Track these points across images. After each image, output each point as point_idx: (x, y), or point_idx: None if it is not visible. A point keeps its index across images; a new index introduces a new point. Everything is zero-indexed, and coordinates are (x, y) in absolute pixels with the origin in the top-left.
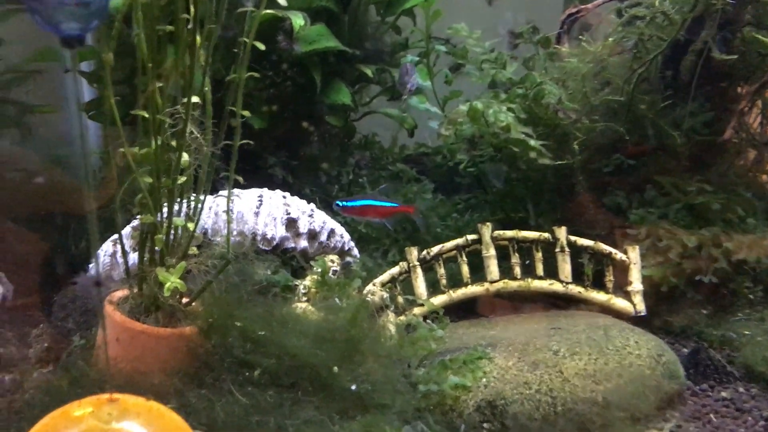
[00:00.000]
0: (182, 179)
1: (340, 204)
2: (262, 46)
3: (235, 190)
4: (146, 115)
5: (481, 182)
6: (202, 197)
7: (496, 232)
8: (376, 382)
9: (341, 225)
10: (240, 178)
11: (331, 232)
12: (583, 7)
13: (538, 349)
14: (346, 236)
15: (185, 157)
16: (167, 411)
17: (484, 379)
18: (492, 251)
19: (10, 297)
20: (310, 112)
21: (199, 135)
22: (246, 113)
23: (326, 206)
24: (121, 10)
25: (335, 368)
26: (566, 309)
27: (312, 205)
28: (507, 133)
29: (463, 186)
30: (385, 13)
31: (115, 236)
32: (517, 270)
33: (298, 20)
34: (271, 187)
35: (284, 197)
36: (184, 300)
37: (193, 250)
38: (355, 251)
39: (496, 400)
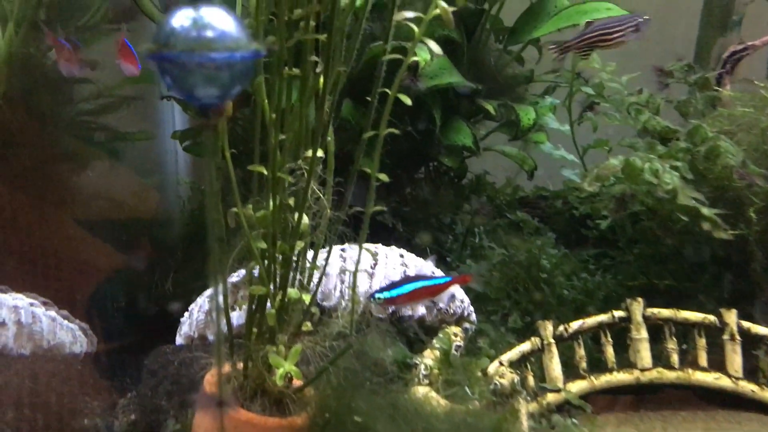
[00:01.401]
0: (300, 245)
1: (383, 296)
2: (408, 102)
3: (346, 245)
4: (264, 172)
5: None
6: (320, 263)
7: (650, 310)
8: None
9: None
10: (372, 250)
11: (452, 297)
12: (750, 44)
13: None
14: (466, 300)
15: (305, 219)
16: None
17: None
18: (644, 333)
19: (94, 350)
20: (425, 153)
21: (321, 195)
22: (383, 177)
23: (438, 259)
24: None
25: None
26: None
27: (431, 265)
28: (671, 196)
29: (591, 239)
30: (507, 41)
31: (211, 292)
32: (674, 357)
33: (424, 55)
34: (384, 239)
35: (401, 256)
36: (295, 382)
37: (307, 325)
38: (474, 316)
39: None
